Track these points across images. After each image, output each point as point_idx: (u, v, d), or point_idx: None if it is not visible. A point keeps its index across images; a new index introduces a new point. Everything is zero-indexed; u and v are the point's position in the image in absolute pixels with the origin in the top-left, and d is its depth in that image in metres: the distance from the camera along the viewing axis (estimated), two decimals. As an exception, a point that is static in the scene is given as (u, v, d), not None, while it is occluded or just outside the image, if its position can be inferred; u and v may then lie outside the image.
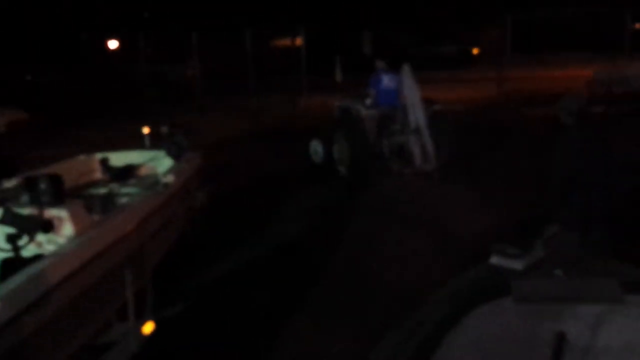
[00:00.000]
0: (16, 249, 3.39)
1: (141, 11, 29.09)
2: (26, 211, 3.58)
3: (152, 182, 4.56)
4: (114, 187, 4.78)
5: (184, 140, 5.10)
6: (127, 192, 4.57)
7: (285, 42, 29.21)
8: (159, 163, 5.26)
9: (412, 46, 28.75)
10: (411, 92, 8.23)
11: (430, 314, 2.41)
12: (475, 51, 33.78)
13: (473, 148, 9.45)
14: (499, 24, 20.77)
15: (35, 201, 3.63)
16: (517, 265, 2.78)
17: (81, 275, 3.15)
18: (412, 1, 31.58)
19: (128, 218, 3.79)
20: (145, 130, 5.57)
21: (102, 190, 4.72)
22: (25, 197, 3.81)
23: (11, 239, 3.38)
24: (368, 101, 8.96)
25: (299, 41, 22.33)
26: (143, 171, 5.19)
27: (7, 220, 3.47)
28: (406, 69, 8.33)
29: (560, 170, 4.38)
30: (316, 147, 9.57)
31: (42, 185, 3.87)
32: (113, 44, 26.14)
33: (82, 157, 5.42)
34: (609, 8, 20.23)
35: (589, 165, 4.17)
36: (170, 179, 4.60)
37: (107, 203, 4.10)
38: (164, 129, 5.39)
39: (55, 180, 3.94)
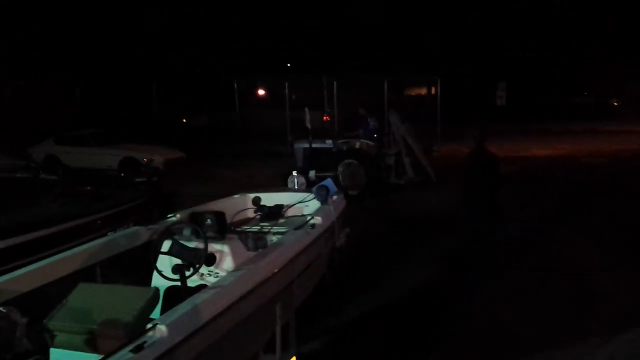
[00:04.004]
0: (182, 279, 3.63)
1: (286, 61, 31.16)
2: (191, 244, 3.86)
3: (301, 222, 4.75)
4: (266, 225, 5.04)
5: (332, 183, 5.29)
6: (277, 230, 4.78)
7: (420, 91, 29.86)
8: (307, 204, 5.50)
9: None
10: (401, 127, 11.82)
11: None
12: (615, 103, 31.60)
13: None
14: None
15: (200, 235, 3.86)
16: None
17: (239, 307, 3.28)
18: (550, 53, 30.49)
19: (280, 255, 3.94)
20: (294, 172, 5.90)
21: (255, 228, 5.00)
22: (190, 231, 4.11)
23: (177, 269, 3.62)
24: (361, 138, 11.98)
25: (433, 90, 23.11)
26: (292, 211, 5.41)
27: (174, 251, 3.74)
28: (392, 112, 12.28)
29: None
30: (297, 180, 10.79)
31: (208, 221, 4.20)
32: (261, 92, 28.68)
33: (237, 196, 5.82)
34: None
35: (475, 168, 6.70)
36: (317, 220, 4.78)
37: (260, 240, 4.32)
38: (311, 173, 5.66)
39: (220, 217, 4.26)
